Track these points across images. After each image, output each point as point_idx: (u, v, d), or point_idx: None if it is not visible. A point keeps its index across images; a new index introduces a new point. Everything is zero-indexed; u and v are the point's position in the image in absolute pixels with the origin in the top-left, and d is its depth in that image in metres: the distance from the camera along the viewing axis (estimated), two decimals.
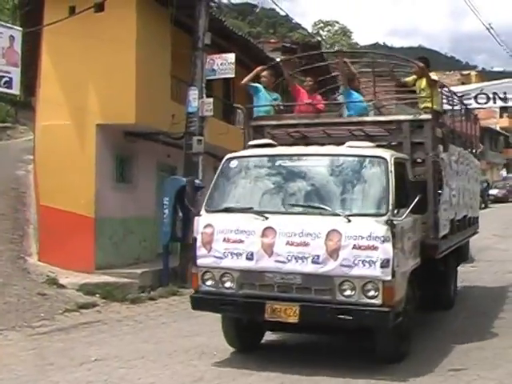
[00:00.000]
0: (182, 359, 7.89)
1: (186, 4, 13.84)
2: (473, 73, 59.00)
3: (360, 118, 9.07)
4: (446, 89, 11.56)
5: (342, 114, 9.77)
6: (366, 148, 7.73)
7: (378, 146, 8.09)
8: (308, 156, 7.86)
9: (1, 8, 28.72)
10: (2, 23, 13.28)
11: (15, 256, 13.20)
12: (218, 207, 7.66)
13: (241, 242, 7.23)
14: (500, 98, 16.04)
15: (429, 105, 9.14)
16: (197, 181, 13.47)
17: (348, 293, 6.82)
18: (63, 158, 13.58)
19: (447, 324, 9.46)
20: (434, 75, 9.92)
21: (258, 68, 10.18)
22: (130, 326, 10.16)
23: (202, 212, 7.69)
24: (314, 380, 6.90)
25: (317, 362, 7.48)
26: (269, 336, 8.46)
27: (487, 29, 29.07)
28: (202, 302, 7.60)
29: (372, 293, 6.75)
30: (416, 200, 7.22)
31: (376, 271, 6.71)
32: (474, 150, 12.90)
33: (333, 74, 14.23)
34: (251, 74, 10.03)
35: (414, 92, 10.76)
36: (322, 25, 75.51)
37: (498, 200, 41.59)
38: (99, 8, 13.34)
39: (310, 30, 52.93)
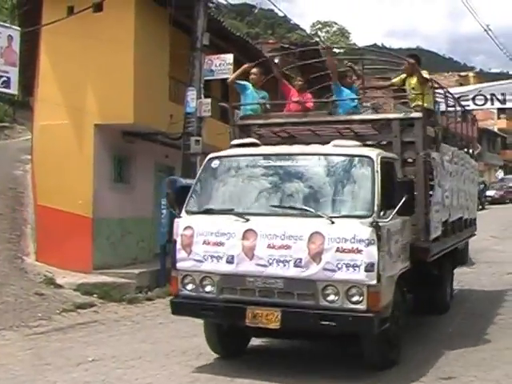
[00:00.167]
0: (179, 360, 7.90)
1: (185, 4, 13.83)
2: (471, 74, 58.94)
3: (348, 117, 8.83)
4: (442, 89, 11.44)
5: (334, 113, 9.43)
6: (351, 147, 7.50)
7: (367, 146, 7.92)
8: (291, 156, 7.58)
9: None
10: (1, 23, 13.33)
11: (13, 256, 13.19)
12: (198, 209, 7.46)
13: (221, 244, 6.99)
14: (498, 100, 16.08)
15: (420, 103, 8.92)
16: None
17: (331, 298, 6.59)
18: (61, 157, 13.58)
19: (444, 326, 9.44)
20: (425, 73, 9.67)
21: (246, 65, 9.95)
22: (128, 327, 10.16)
23: (183, 214, 7.46)
24: None
25: (304, 368, 7.32)
26: (255, 341, 8.22)
27: (485, 30, 29.01)
28: (181, 307, 7.38)
29: (356, 298, 6.51)
30: (402, 201, 6.91)
31: (360, 275, 6.47)
32: (470, 151, 12.72)
33: (327, 72, 14.08)
34: (238, 71, 9.85)
35: (403, 91, 10.45)
36: (320, 26, 75.64)
37: (495, 201, 41.55)
38: (97, 8, 13.35)
39: (308, 31, 53.05)
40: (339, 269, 6.51)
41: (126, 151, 14.66)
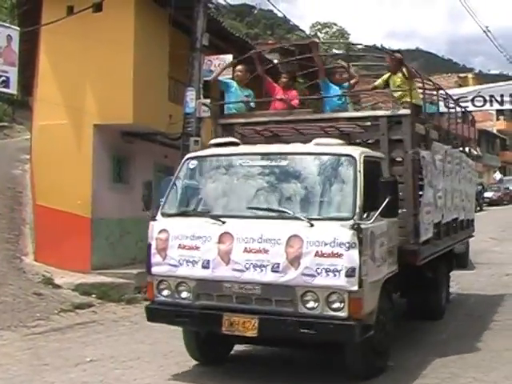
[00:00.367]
0: (177, 360, 7.87)
1: (184, 5, 13.80)
2: (470, 75, 59.03)
3: (334, 115, 8.53)
4: (433, 86, 10.96)
5: (323, 110, 9.20)
6: (333, 145, 7.14)
7: (354, 144, 7.66)
8: (270, 155, 7.21)
9: None
10: (0, 22, 13.27)
11: (11, 255, 13.18)
12: (174, 211, 7.18)
13: (197, 248, 6.69)
14: (497, 101, 16.07)
15: (407, 99, 8.57)
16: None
17: (311, 304, 6.27)
18: (60, 157, 13.57)
19: (442, 327, 9.43)
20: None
21: (230, 61, 9.73)
22: (126, 327, 10.15)
23: (158, 216, 7.17)
24: None
25: (288, 377, 7.15)
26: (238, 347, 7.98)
27: (484, 32, 29.02)
28: (157, 314, 7.06)
29: (337, 305, 6.20)
30: (386, 202, 6.56)
31: (340, 281, 6.14)
32: (467, 150, 12.40)
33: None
34: (222, 68, 9.58)
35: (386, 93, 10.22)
36: (319, 26, 75.61)
37: (493, 203, 41.65)
38: (97, 8, 13.32)
39: (307, 32, 52.98)
40: (319, 274, 6.20)
41: (125, 151, 14.64)
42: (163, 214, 7.16)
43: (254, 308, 6.50)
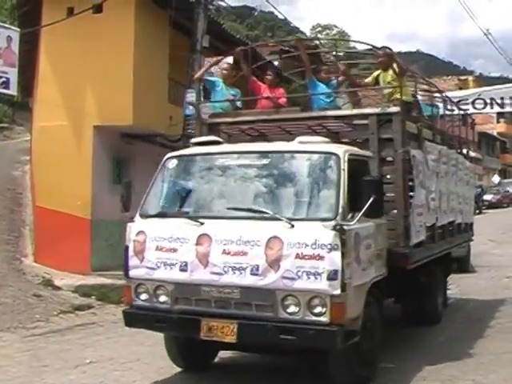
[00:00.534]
0: None
1: (185, 7, 13.82)
2: (470, 78, 59.12)
3: (322, 113, 8.25)
4: (421, 80, 10.79)
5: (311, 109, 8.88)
6: (317, 143, 6.83)
7: (342, 143, 7.34)
8: (252, 153, 6.93)
9: None
10: (0, 23, 13.29)
11: (11, 257, 13.18)
12: (152, 212, 6.89)
13: (174, 251, 6.40)
14: (497, 104, 16.06)
15: (398, 96, 8.20)
16: None
17: (292, 309, 5.97)
18: (60, 159, 13.58)
19: (441, 330, 9.40)
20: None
21: (215, 59, 9.39)
22: (126, 329, 10.10)
23: (136, 217, 6.90)
24: None
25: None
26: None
27: (485, 34, 29.15)
28: (134, 319, 6.79)
29: (319, 309, 5.89)
30: (370, 202, 6.21)
31: (322, 284, 5.82)
32: (465, 151, 11.99)
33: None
34: (207, 66, 9.26)
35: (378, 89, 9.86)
36: (320, 28, 75.66)
37: (492, 205, 41.69)
38: (97, 9, 13.35)
39: (308, 34, 53.06)
40: (299, 277, 5.89)
41: (125, 153, 14.64)
42: (141, 216, 6.91)
43: (232, 313, 6.21)
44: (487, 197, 42.29)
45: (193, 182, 7.12)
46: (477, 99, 15.99)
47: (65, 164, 13.53)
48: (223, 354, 7.74)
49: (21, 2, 16.26)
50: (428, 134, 9.15)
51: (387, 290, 7.50)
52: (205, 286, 6.26)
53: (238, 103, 9.25)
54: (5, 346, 8.84)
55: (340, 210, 6.12)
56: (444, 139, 10.22)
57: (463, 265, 14.71)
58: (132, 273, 6.71)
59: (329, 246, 5.86)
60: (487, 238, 20.80)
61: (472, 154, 13.87)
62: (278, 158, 6.79)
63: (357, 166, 6.68)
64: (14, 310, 10.34)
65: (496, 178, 54.49)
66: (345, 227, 5.98)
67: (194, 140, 7.76)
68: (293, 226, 6.03)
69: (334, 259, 5.84)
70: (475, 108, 15.94)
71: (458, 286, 12.70)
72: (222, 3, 22.85)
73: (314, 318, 5.90)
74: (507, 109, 16.60)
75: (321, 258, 5.86)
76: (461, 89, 34.56)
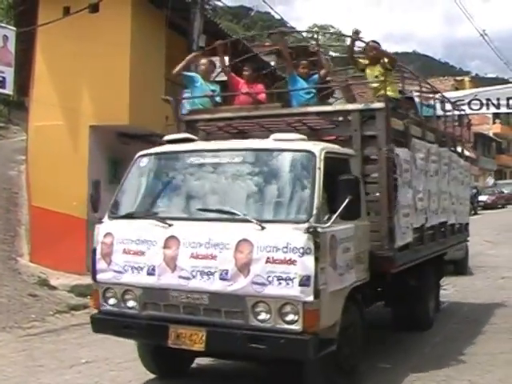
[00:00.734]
0: None
1: (181, 6, 13.82)
2: (466, 79, 59.16)
3: (302, 109, 7.96)
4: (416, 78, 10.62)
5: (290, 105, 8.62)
6: (292, 141, 6.51)
7: (323, 141, 7.03)
8: (224, 152, 6.62)
9: None
10: None
11: (6, 256, 13.14)
12: (121, 213, 6.64)
13: (142, 253, 6.13)
14: (493, 104, 16.07)
15: (384, 92, 7.81)
16: None
17: (263, 316, 5.66)
18: (56, 158, 13.55)
19: (437, 330, 9.42)
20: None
21: (193, 54, 9.09)
22: None
23: (105, 219, 6.65)
24: None
25: None
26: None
27: (481, 35, 29.22)
28: (102, 324, 6.53)
29: (291, 317, 5.59)
30: (346, 202, 5.89)
31: (294, 291, 5.51)
32: (459, 149, 11.56)
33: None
34: (184, 62, 9.03)
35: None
36: (316, 29, 75.64)
37: (487, 206, 41.76)
38: (94, 9, 13.31)
39: (304, 35, 53.01)
40: (270, 282, 5.59)
41: (121, 153, 14.56)
42: (110, 217, 6.65)
43: (201, 319, 5.92)
44: (482, 198, 42.34)
45: (163, 182, 6.86)
46: (473, 100, 16.00)
47: (61, 164, 13.50)
48: (200, 361, 7.46)
49: (17, 2, 16.22)
50: (417, 132, 8.82)
51: (375, 294, 7.39)
52: (173, 290, 6.00)
53: (218, 98, 9.00)
54: (0, 345, 8.82)
55: (314, 212, 5.81)
56: (437, 137, 9.88)
57: (460, 267, 14.61)
58: (99, 276, 6.45)
59: (301, 250, 5.55)
60: (483, 239, 20.85)
61: (467, 153, 13.72)
62: (250, 156, 6.49)
63: (335, 165, 6.38)
64: (9, 310, 10.32)
65: (490, 180, 54.43)
66: (319, 230, 5.67)
67: (166, 137, 7.42)
68: (263, 228, 5.74)
69: (307, 264, 5.54)
70: (471, 109, 15.94)
71: (454, 287, 12.71)
72: (219, 3, 22.79)
73: (286, 326, 5.61)
74: (503, 110, 16.60)
75: (292, 262, 5.56)
76: (457, 89, 34.66)
